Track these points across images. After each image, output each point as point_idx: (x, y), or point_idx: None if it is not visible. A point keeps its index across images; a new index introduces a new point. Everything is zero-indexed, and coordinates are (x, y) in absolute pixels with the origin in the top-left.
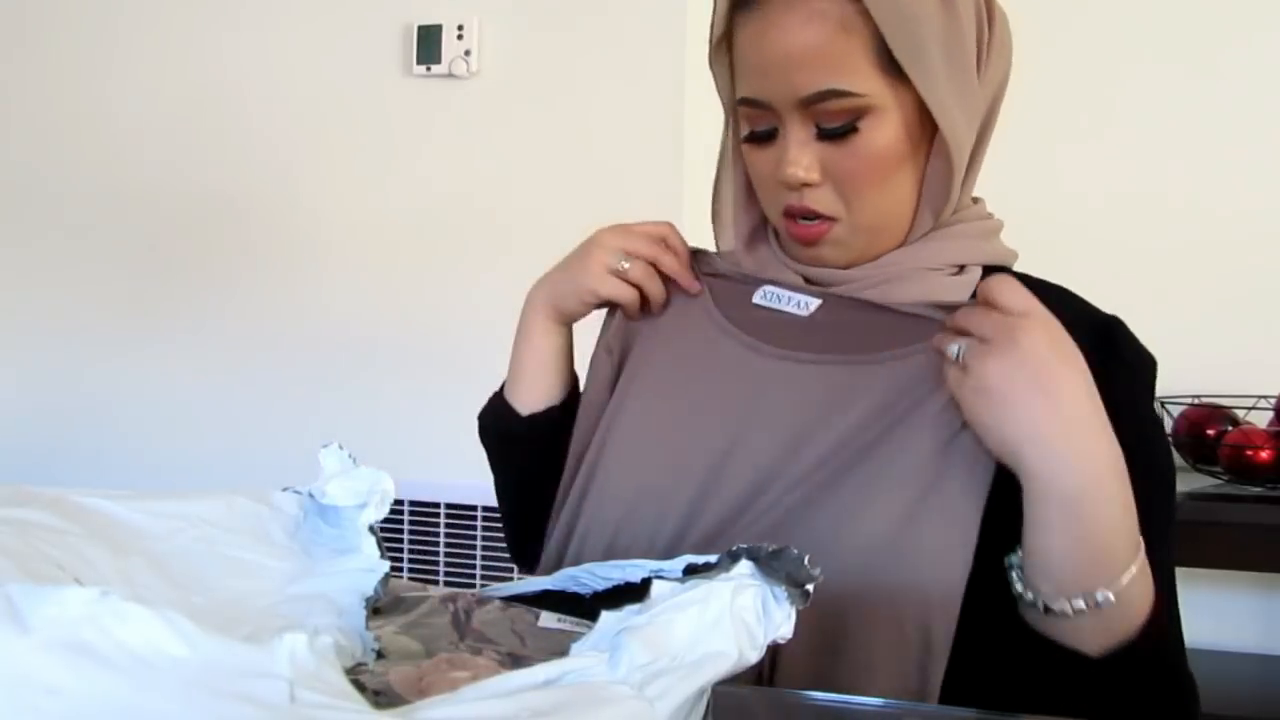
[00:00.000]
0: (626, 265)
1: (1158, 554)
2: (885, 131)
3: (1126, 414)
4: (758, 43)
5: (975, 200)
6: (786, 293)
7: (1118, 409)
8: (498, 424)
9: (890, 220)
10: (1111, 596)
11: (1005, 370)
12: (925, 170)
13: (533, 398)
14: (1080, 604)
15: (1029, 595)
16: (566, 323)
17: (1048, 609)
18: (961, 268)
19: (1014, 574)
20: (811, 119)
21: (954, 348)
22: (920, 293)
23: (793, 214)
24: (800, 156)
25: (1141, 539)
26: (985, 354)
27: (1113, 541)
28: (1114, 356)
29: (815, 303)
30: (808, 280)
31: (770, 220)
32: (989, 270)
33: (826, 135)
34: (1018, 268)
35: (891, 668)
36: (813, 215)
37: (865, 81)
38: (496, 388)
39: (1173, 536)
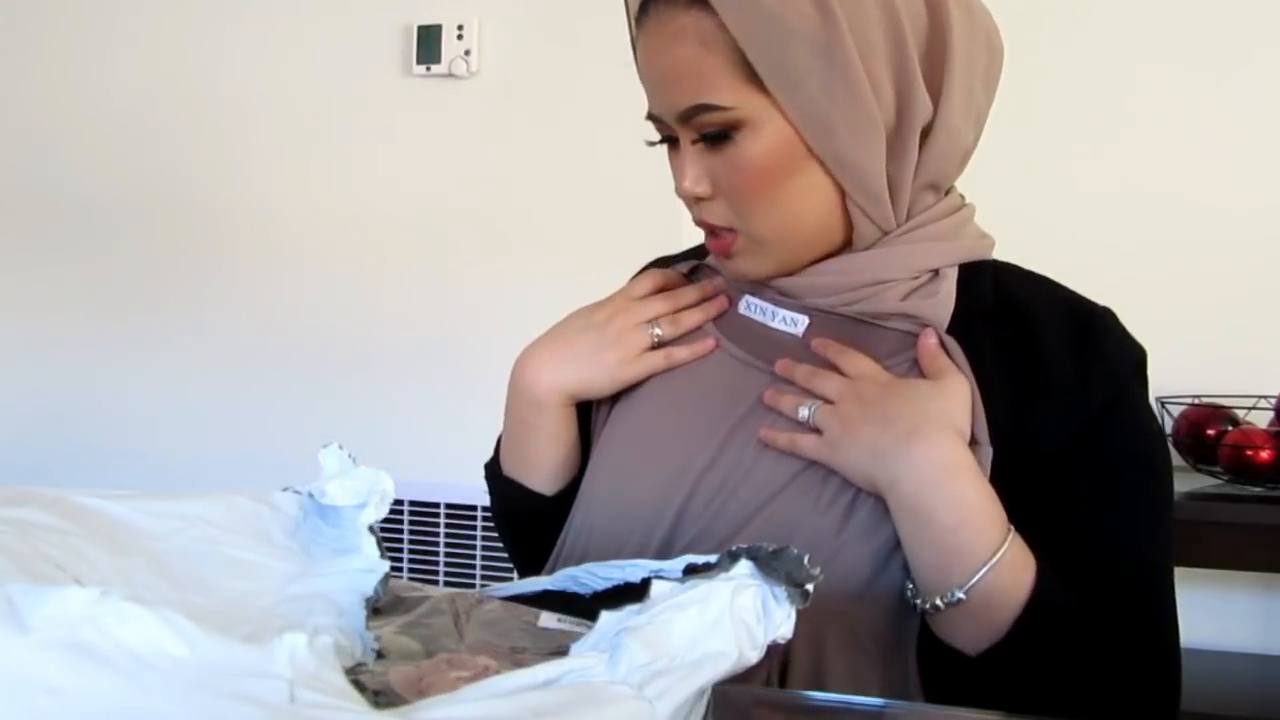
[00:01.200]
0: (660, 333)
1: (1144, 543)
2: (762, 143)
3: (1109, 409)
4: (643, 61)
5: (948, 191)
6: (771, 307)
7: (1096, 405)
8: (520, 507)
9: (796, 229)
10: (961, 594)
11: (848, 422)
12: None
13: (556, 476)
14: (938, 601)
15: (909, 596)
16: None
17: (921, 609)
18: (935, 271)
19: (909, 584)
20: (694, 132)
21: (804, 411)
22: (897, 309)
23: (697, 225)
24: (689, 170)
25: (1006, 537)
26: (831, 414)
27: (957, 540)
28: (1093, 351)
29: (804, 320)
30: (782, 293)
31: None
32: (966, 267)
33: (707, 145)
34: (996, 255)
35: (860, 661)
36: (710, 230)
37: (732, 95)
38: (494, 440)
39: (1166, 525)
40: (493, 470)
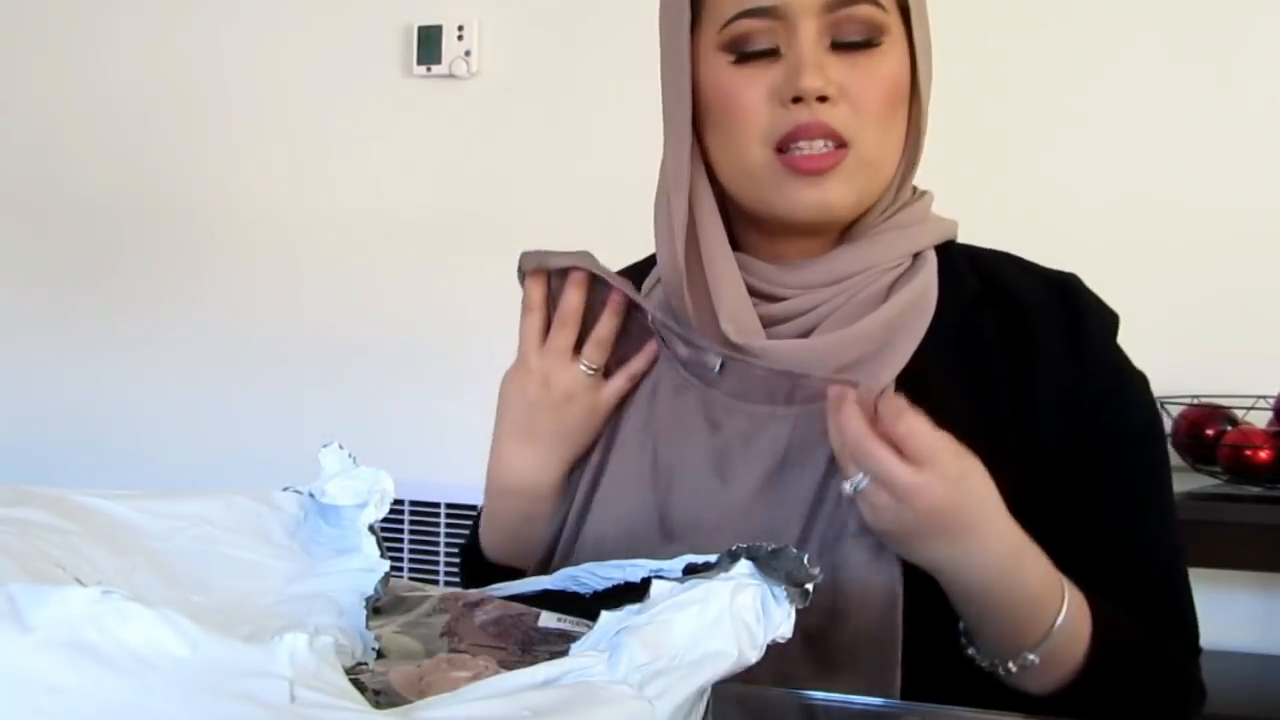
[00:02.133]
0: (590, 365)
1: (1154, 524)
2: (893, 61)
3: (1098, 364)
4: None
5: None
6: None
7: (1089, 359)
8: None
9: (883, 167)
10: (1034, 658)
11: (899, 521)
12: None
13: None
14: (1010, 665)
15: (973, 655)
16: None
17: (989, 670)
18: (915, 256)
19: (963, 639)
20: (829, 31)
21: (848, 485)
22: (877, 320)
23: (799, 135)
24: (822, 64)
25: (1064, 596)
26: (881, 511)
27: (1025, 615)
28: (1081, 308)
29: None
30: (756, 291)
31: (745, 192)
32: (941, 248)
33: (845, 47)
34: (962, 238)
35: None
36: (825, 136)
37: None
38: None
39: (1165, 486)
40: (473, 555)
